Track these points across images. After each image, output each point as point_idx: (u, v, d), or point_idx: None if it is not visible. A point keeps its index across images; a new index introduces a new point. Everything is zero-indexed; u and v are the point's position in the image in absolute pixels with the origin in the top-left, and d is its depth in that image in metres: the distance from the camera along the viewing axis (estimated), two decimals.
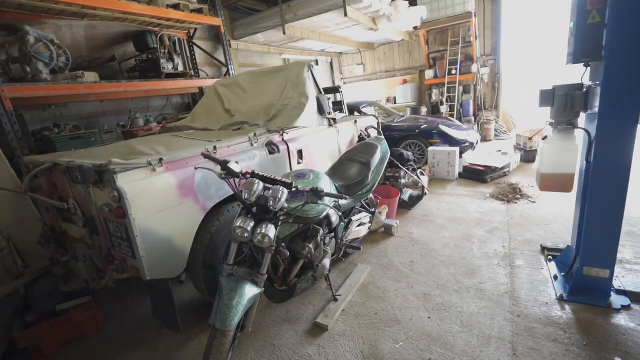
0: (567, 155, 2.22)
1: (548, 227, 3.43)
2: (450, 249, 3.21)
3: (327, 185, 2.25)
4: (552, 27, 8.15)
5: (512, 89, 8.85)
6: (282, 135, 2.87)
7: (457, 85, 8.52)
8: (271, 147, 2.72)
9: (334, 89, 5.36)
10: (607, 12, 1.89)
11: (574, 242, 2.54)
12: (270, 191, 1.70)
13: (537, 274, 2.64)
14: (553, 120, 2.26)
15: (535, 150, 5.75)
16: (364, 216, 3.00)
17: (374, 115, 4.97)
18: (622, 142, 2.01)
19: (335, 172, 2.84)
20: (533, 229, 3.43)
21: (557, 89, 2.18)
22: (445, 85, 8.62)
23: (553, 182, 2.30)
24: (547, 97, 2.23)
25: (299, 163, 3.04)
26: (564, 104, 2.16)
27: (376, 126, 4.64)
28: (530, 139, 2.29)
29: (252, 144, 2.59)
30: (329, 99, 3.77)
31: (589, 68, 2.15)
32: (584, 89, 2.14)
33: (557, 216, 3.66)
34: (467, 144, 5.89)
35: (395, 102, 9.63)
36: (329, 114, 3.63)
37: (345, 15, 4.54)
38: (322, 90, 3.55)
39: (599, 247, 2.20)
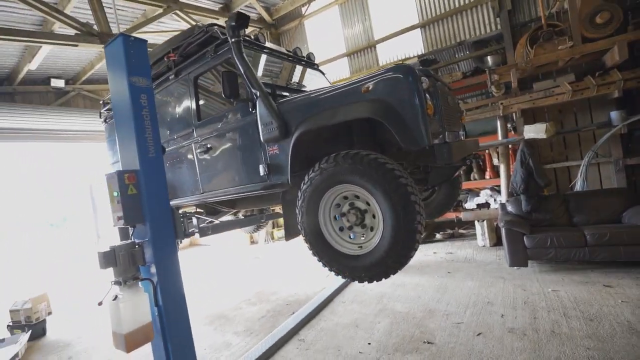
0: (142, 307, 2.34)
1: None
2: None
3: None
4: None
5: None
6: None
7: None
8: None
9: None
10: (141, 187, 2.42)
11: None
12: None
13: None
14: (120, 279, 2.31)
15: (43, 320, 4.94)
16: None
17: None
18: (176, 281, 2.53)
19: None
20: None
21: (118, 249, 2.31)
22: None
23: (138, 338, 2.28)
24: (110, 258, 2.28)
25: None
26: (128, 261, 2.32)
27: None
28: (99, 304, 2.08)
29: None
30: None
31: (135, 229, 2.50)
32: (137, 246, 2.45)
33: None
34: None
35: None
36: None
37: None
38: None
39: None
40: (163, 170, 2.59)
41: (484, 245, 6.03)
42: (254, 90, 2.70)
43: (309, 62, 3.94)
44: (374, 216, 2.17)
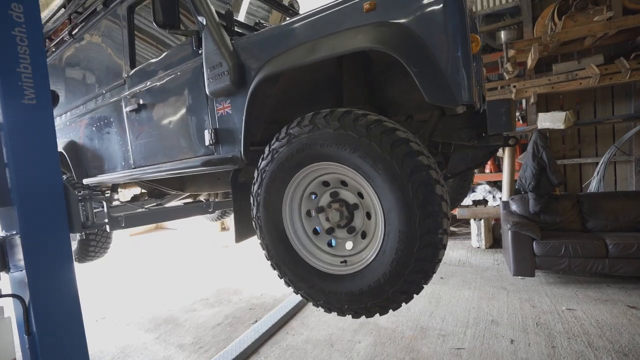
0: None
1: None
2: None
3: None
4: None
5: None
6: None
7: None
8: None
9: None
10: (5, 151, 1.53)
11: None
12: None
13: None
14: None
15: None
16: None
17: None
18: (63, 298, 1.67)
19: None
20: None
21: None
22: None
23: None
24: None
25: None
26: None
27: None
28: None
29: None
30: None
31: None
32: None
33: None
34: None
35: None
36: None
37: None
38: None
39: None
40: (52, 126, 1.69)
41: (478, 247, 5.42)
42: (199, 18, 1.81)
43: (290, 10, 3.05)
44: (368, 215, 1.38)
